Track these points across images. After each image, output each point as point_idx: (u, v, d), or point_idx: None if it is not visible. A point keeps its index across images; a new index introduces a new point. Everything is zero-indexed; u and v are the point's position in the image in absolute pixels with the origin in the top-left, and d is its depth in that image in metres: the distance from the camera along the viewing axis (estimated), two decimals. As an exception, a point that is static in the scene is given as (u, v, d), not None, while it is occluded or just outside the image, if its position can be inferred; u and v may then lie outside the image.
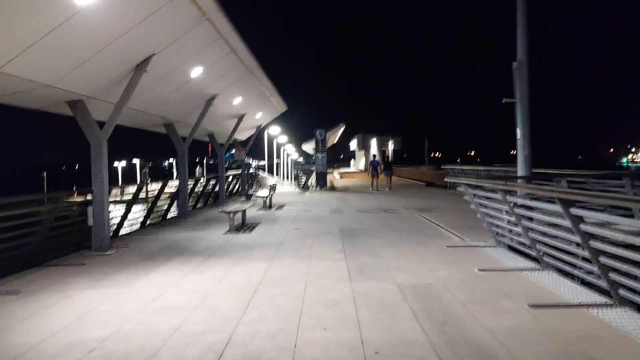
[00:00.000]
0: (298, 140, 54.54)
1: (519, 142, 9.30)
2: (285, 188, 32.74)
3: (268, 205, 16.39)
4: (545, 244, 6.33)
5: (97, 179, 8.81)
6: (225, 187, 22.79)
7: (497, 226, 8.28)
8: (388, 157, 44.43)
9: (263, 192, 16.58)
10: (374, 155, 30.36)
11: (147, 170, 67.60)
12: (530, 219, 6.41)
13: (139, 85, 8.95)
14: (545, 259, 6.42)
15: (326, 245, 8.86)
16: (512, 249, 7.98)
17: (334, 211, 14.67)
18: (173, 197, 13.79)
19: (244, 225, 11.75)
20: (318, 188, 25.91)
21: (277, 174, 41.63)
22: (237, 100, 15.67)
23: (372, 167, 24.43)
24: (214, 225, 11.86)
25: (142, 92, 9.82)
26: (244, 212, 12.06)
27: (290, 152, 54.60)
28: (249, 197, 19.18)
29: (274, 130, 33.50)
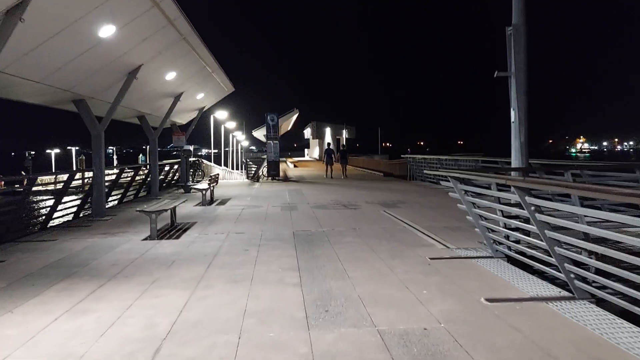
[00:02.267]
0: (251, 127, 51.79)
1: (514, 126, 7.48)
2: (235, 178, 30.26)
3: (208, 200, 14.06)
4: (578, 265, 4.50)
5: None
6: (165, 177, 20.21)
7: (494, 231, 6.45)
8: (343, 145, 42.77)
9: (204, 184, 14.22)
10: (329, 144, 29.39)
11: (84, 158, 63.08)
12: (560, 228, 4.56)
13: (20, 40, 6.55)
14: (579, 284, 4.59)
15: (275, 258, 6.74)
16: (512, 260, 6.17)
17: (286, 207, 12.55)
18: (88, 191, 11.23)
19: (173, 228, 9.43)
20: (270, 178, 23.67)
21: (225, 163, 38.96)
22: (171, 75, 13.17)
23: (327, 156, 24.99)
24: (134, 227, 9.48)
25: (33, 50, 7.38)
26: (173, 210, 9.73)
27: (240, 139, 51.90)
28: (187, 189, 16.72)
29: (221, 114, 30.91)
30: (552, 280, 5.32)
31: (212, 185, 14.07)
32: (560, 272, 4.79)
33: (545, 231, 4.58)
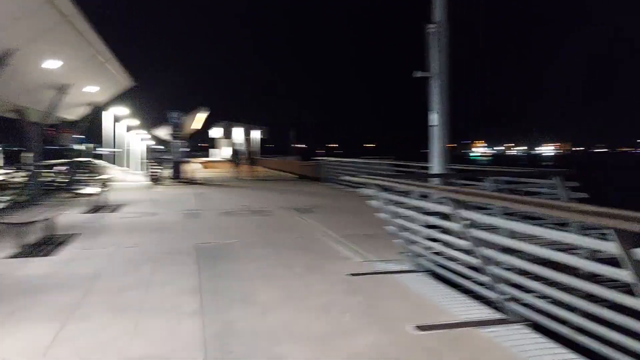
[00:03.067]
0: (156, 125, 48.71)
1: (435, 129, 7.13)
2: (137, 180, 28.02)
3: (98, 206, 12.45)
4: (514, 286, 4.08)
5: None
6: (53, 180, 17.93)
7: (414, 242, 5.96)
8: (250, 147, 41.96)
9: (94, 189, 12.58)
10: (234, 144, 32.34)
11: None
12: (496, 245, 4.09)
13: None
14: (515, 307, 4.16)
15: (173, 277, 5.72)
16: (437, 275, 5.72)
17: (190, 214, 11.38)
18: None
19: (49, 241, 7.97)
20: (175, 181, 22.03)
21: (127, 164, 36.16)
22: (54, 64, 11.43)
23: (235, 156, 26.87)
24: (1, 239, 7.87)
25: None
26: (49, 221, 8.24)
27: (144, 138, 48.75)
28: (77, 194, 14.79)
29: (121, 111, 28.53)
30: (481, 298, 4.90)
31: (103, 189, 12.48)
32: (493, 290, 4.35)
33: (481, 248, 4.10)
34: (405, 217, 5.79)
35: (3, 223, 6.73)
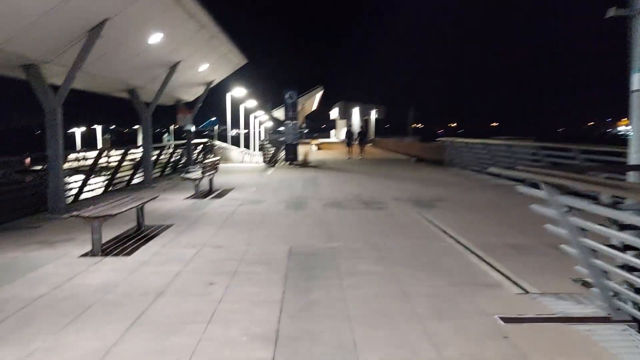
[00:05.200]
0: (274, 106, 49.13)
1: (636, 101, 4.69)
2: (250, 162, 27.97)
3: (205, 190, 11.68)
4: None
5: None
6: (168, 160, 18.03)
7: (606, 273, 3.76)
8: (362, 127, 40.29)
9: (197, 172, 11.82)
10: (350, 125, 30.86)
11: (109, 137, 61.93)
12: None
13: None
14: None
15: (247, 306, 4.24)
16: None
17: (294, 203, 10.02)
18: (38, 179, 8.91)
19: (137, 234, 7.06)
20: (288, 163, 21.17)
21: (245, 146, 36.68)
22: (157, 37, 10.69)
23: (347, 137, 26.15)
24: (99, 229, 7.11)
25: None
26: (139, 209, 7.34)
27: (263, 120, 49.57)
28: (185, 178, 14.32)
29: (239, 92, 28.54)
30: None
31: (209, 173, 11.65)
32: None
33: None
34: (593, 234, 3.63)
35: (74, 216, 5.82)
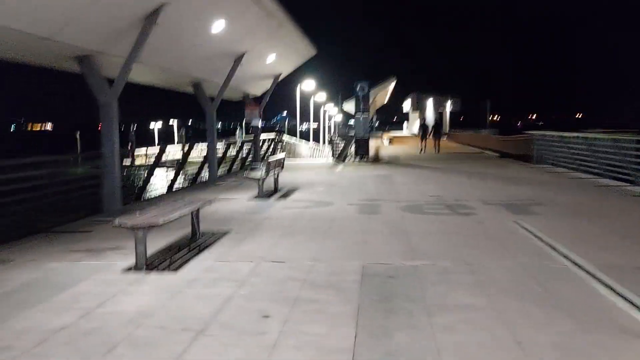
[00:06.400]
0: (344, 99, 47.96)
1: None
2: (319, 157, 27.18)
3: (270, 190, 10.89)
4: None
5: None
6: (236, 156, 17.58)
7: None
8: (436, 120, 38.49)
9: (261, 171, 11.05)
10: (423, 118, 31.38)
11: (184, 132, 63.91)
12: None
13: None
14: None
15: (310, 350, 3.24)
16: None
17: (366, 207, 8.93)
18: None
19: (190, 242, 6.31)
20: (357, 159, 20.08)
21: (313, 140, 35.98)
22: (219, 26, 9.97)
23: (422, 130, 25.41)
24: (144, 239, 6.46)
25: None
26: (194, 214, 6.58)
27: (332, 114, 48.74)
28: (247, 177, 13.61)
29: (308, 85, 27.81)
30: None
31: (272, 171, 10.84)
32: None
33: None
34: None
35: (116, 226, 5.11)
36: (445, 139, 36.62)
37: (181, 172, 13.18)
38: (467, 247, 5.94)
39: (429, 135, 25.19)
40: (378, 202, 9.29)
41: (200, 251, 5.91)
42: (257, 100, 18.05)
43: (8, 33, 6.04)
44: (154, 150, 15.48)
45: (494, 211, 8.23)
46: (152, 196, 11.40)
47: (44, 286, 4.65)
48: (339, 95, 41.92)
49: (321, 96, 33.72)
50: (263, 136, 20.93)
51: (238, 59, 12.70)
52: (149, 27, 7.60)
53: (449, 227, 7.06)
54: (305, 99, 32.42)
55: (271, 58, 14.77)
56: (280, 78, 17.83)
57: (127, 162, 19.83)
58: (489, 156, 22.58)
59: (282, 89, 22.09)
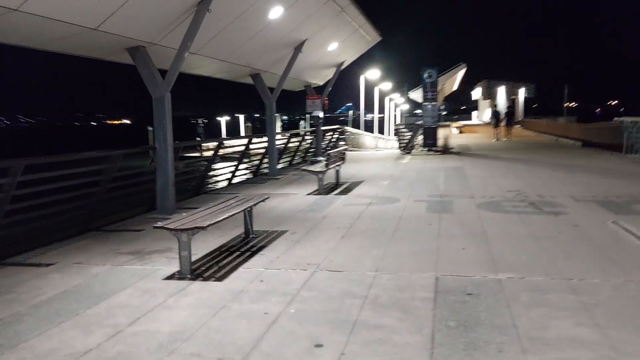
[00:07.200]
0: (410, 88, 46.24)
1: None
2: (385, 148, 26.20)
3: (331, 184, 10.24)
4: None
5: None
6: (297, 148, 17.10)
7: None
8: (509, 107, 36.12)
9: (320, 165, 10.39)
10: (495, 105, 29.82)
11: (251, 125, 64.77)
12: None
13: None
14: None
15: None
16: None
17: (436, 203, 8.04)
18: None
19: (242, 244, 5.80)
20: (425, 149, 18.97)
21: (379, 131, 34.94)
22: (276, 12, 9.39)
23: (494, 118, 24.70)
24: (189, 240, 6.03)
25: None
26: (247, 212, 6.06)
27: (398, 103, 47.31)
28: (305, 170, 12.95)
29: (373, 74, 26.87)
30: None
31: (334, 165, 10.16)
32: None
33: None
34: None
35: (158, 227, 4.66)
36: (519, 127, 34.34)
37: (242, 164, 12.83)
38: (562, 256, 4.96)
39: (502, 123, 24.41)
40: (450, 199, 8.36)
41: (251, 255, 5.36)
42: (319, 90, 17.42)
43: (53, 25, 5.76)
44: (226, 142, 15.26)
45: (588, 210, 7.08)
46: (212, 189, 11.11)
47: (80, 296, 4.26)
48: (405, 83, 40.48)
49: (386, 85, 32.56)
50: (326, 128, 20.29)
51: (298, 47, 12.10)
52: (201, 14, 7.13)
53: (536, 230, 6.05)
54: (369, 89, 31.42)
55: (333, 45, 14.04)
56: (343, 66, 17.06)
57: (196, 155, 20.10)
58: (569, 145, 20.65)
59: (346, 79, 21.33)
